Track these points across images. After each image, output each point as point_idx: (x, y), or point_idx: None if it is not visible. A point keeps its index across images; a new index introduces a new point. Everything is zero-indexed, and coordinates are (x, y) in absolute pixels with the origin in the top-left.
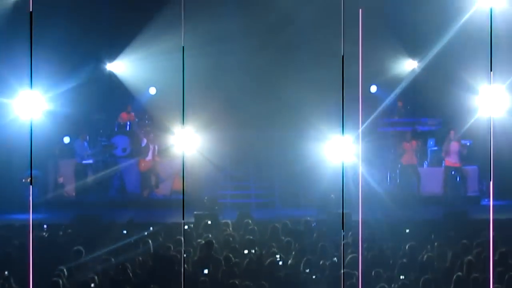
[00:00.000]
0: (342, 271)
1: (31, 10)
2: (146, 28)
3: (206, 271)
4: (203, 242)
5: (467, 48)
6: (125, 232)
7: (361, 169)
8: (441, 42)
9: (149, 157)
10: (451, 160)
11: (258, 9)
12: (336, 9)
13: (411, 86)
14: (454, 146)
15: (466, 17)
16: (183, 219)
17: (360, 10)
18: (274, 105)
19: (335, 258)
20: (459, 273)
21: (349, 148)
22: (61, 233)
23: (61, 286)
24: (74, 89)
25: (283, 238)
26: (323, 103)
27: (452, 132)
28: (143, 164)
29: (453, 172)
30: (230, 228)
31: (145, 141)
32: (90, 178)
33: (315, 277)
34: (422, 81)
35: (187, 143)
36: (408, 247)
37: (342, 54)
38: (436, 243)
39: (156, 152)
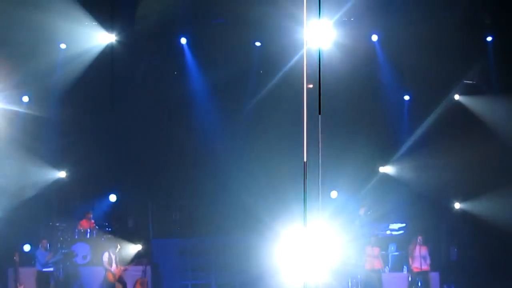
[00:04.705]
0: None
1: None
2: None
3: None
4: None
5: None
6: None
7: None
8: None
9: (113, 267)
10: (418, 266)
11: None
12: None
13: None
14: (422, 251)
15: None
16: None
17: None
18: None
19: None
20: None
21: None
22: None
23: None
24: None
25: None
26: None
27: (419, 238)
28: (111, 276)
29: (416, 278)
30: None
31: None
32: (51, 286)
33: None
34: None
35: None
36: None
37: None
38: None
39: (118, 261)
